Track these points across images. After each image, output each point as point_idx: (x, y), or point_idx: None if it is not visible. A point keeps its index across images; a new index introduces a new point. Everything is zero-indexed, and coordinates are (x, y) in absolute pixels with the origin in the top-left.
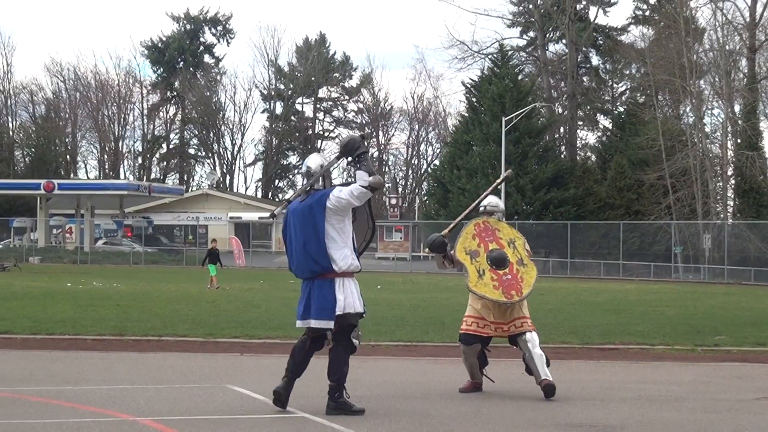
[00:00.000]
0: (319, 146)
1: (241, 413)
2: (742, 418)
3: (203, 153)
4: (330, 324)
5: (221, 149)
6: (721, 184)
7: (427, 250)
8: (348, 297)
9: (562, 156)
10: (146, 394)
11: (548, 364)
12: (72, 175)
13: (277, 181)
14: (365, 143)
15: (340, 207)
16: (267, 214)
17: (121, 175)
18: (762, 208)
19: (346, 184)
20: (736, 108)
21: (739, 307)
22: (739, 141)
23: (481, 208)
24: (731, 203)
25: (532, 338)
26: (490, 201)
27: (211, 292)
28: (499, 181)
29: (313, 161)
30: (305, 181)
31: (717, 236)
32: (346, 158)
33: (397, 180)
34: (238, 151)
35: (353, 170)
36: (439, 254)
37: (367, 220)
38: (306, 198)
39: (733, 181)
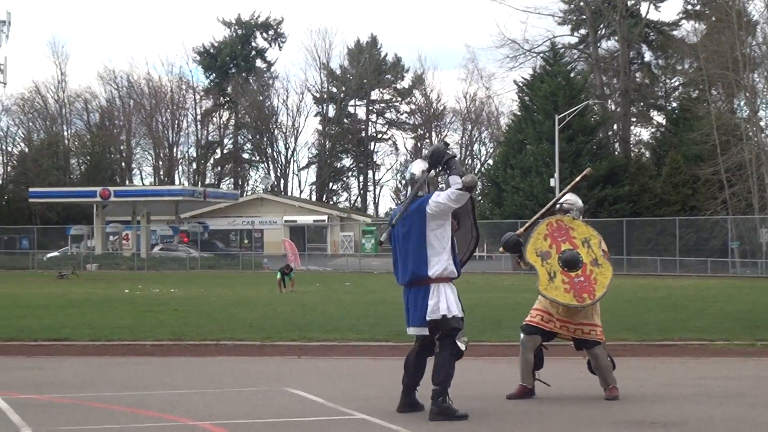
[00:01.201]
0: (372, 148)
1: (300, 416)
2: None
3: (257, 157)
4: (424, 330)
5: (275, 153)
6: None
7: (501, 249)
8: (441, 302)
9: (616, 153)
10: (205, 398)
11: (614, 368)
12: (127, 182)
13: (330, 183)
14: (449, 149)
15: (439, 212)
16: (323, 218)
17: (176, 181)
18: None
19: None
20: None
21: None
22: None
23: (558, 206)
24: None
25: (601, 353)
26: (567, 198)
27: (282, 296)
28: (578, 178)
29: (417, 168)
30: (410, 188)
31: None
32: (436, 168)
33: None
34: (292, 155)
35: (446, 177)
36: (514, 254)
37: (471, 228)
38: (408, 206)
39: None
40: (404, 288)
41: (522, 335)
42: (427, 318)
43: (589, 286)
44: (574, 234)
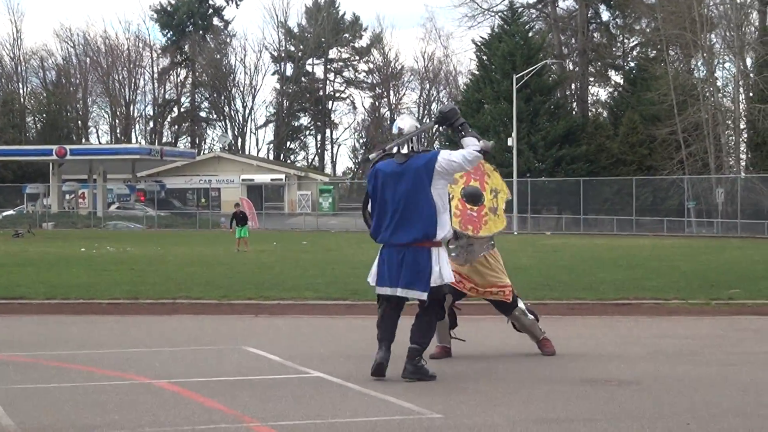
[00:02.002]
0: (330, 107)
1: (257, 374)
2: (757, 370)
3: (214, 116)
4: (424, 296)
5: (232, 112)
6: (733, 137)
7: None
8: (444, 268)
9: (574, 113)
10: (162, 357)
11: (538, 319)
12: (84, 141)
13: (288, 142)
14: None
15: (449, 170)
16: (280, 177)
17: (133, 140)
18: None
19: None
20: (748, 61)
21: (753, 261)
22: (751, 94)
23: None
24: (744, 157)
25: (519, 314)
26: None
27: (240, 255)
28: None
29: (406, 122)
30: (393, 141)
31: (730, 190)
32: (443, 126)
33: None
34: (249, 114)
35: (457, 136)
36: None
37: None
38: (405, 161)
39: (745, 135)
40: (390, 247)
41: None
42: (433, 285)
43: (477, 222)
44: (488, 180)
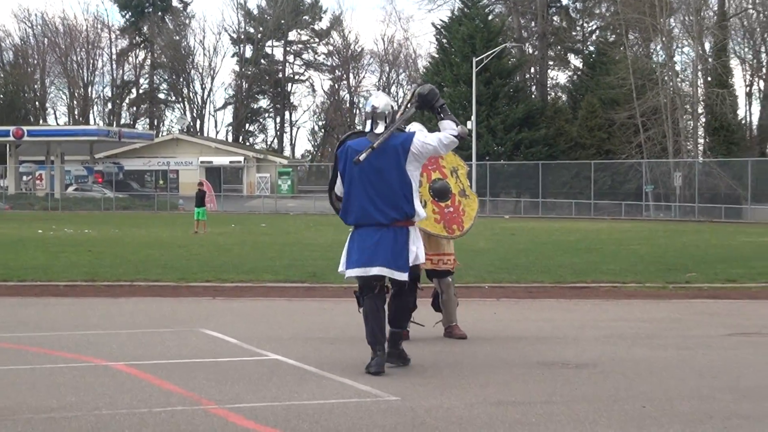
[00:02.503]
0: (289, 89)
1: (214, 356)
2: (713, 354)
3: (173, 98)
4: (404, 276)
5: (191, 94)
6: (691, 122)
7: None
8: (420, 248)
9: (533, 96)
10: (119, 339)
11: (457, 305)
12: (41, 122)
13: (247, 125)
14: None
15: (423, 153)
16: (239, 159)
17: (91, 121)
18: (732, 145)
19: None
20: (707, 46)
21: (710, 244)
22: (709, 79)
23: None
24: (702, 141)
25: (451, 282)
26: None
27: (198, 237)
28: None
29: (381, 100)
30: (370, 121)
31: (687, 174)
32: (423, 109)
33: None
34: (208, 96)
35: (436, 118)
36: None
37: None
38: (379, 139)
39: (703, 119)
40: (364, 228)
41: None
42: (412, 263)
43: (458, 217)
44: (443, 163)
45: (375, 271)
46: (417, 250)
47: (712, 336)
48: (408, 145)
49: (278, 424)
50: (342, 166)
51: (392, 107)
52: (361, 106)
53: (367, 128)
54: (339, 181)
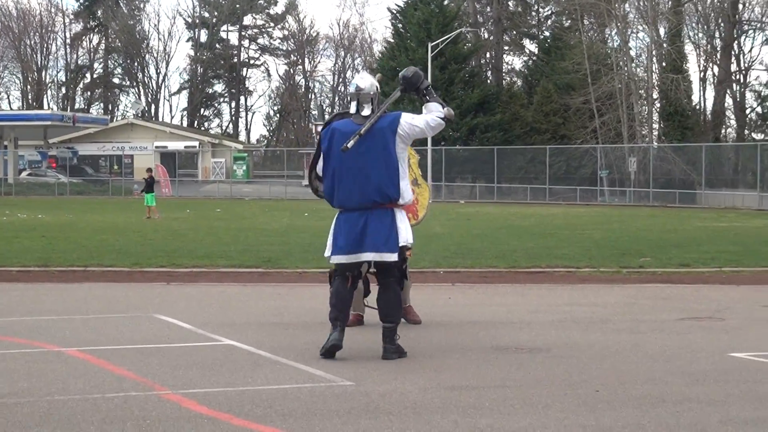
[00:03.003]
0: (244, 74)
1: (168, 341)
2: (665, 338)
3: (128, 82)
4: (394, 257)
5: (146, 78)
6: (646, 107)
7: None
8: (408, 229)
9: (488, 81)
10: (72, 324)
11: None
12: None
13: (202, 109)
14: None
15: (410, 135)
16: (194, 144)
17: (45, 106)
18: (686, 130)
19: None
20: (661, 31)
21: (664, 229)
22: (663, 64)
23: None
24: (656, 126)
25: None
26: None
27: (152, 222)
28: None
29: (366, 81)
30: (355, 102)
31: (642, 159)
32: (408, 91)
33: (324, 107)
34: (163, 80)
35: (422, 101)
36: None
37: None
38: (365, 125)
39: (658, 105)
40: (349, 212)
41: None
42: (402, 243)
43: (412, 206)
44: None
45: (364, 257)
46: (406, 231)
47: (665, 320)
48: (395, 126)
49: (231, 410)
50: (326, 147)
51: (377, 88)
52: (316, 91)
53: (352, 109)
54: (320, 162)
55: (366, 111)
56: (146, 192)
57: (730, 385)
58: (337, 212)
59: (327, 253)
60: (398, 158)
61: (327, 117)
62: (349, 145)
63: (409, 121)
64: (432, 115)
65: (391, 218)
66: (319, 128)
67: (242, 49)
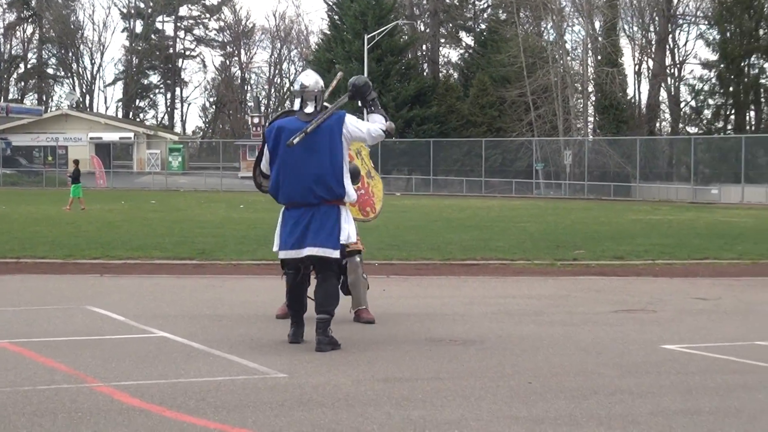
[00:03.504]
0: (180, 65)
1: (101, 333)
2: (599, 330)
3: (62, 73)
4: (336, 253)
5: (80, 69)
6: (581, 100)
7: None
8: (351, 228)
9: (425, 74)
10: (4, 316)
11: (368, 288)
12: None
13: (137, 100)
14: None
15: (353, 136)
16: (129, 135)
17: None
18: (621, 123)
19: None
20: (597, 25)
21: (599, 222)
22: (599, 58)
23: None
24: (591, 120)
25: (360, 262)
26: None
27: (71, 214)
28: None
29: (310, 79)
30: (299, 99)
31: (577, 152)
32: (355, 98)
33: (260, 99)
34: (98, 71)
35: (366, 111)
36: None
37: None
38: (311, 120)
39: (593, 98)
40: (295, 208)
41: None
42: (344, 241)
43: (369, 199)
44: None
45: (305, 252)
46: (349, 229)
47: (598, 312)
48: (340, 125)
49: (164, 402)
50: (272, 145)
51: (321, 86)
52: (252, 83)
53: (296, 107)
54: (266, 159)
55: (309, 108)
56: (73, 183)
57: (661, 377)
58: (282, 208)
59: (275, 248)
60: (341, 156)
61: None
62: (295, 141)
63: (354, 123)
64: (376, 125)
65: (336, 215)
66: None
67: (178, 40)
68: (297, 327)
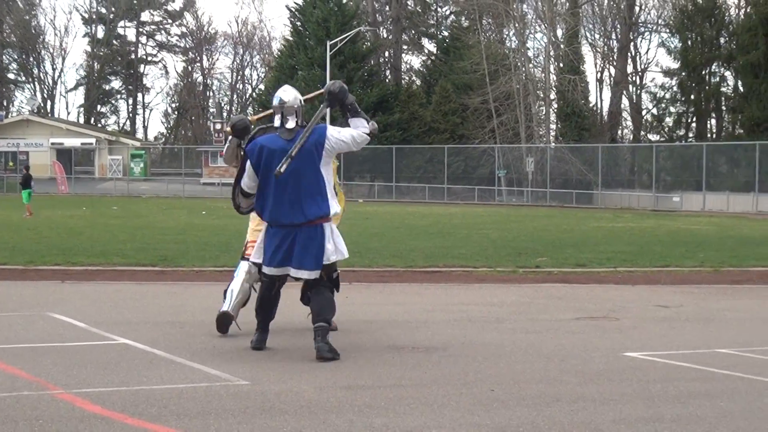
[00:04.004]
0: (142, 71)
1: (62, 340)
2: (561, 337)
3: (23, 78)
4: (316, 274)
5: (41, 74)
6: (543, 108)
7: (228, 129)
8: (338, 242)
9: (387, 80)
10: None
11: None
12: None
13: (99, 106)
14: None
15: (336, 148)
16: (91, 141)
17: None
18: (583, 131)
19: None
20: (559, 32)
21: (561, 229)
22: (561, 65)
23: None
24: (554, 127)
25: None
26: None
27: (30, 220)
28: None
29: (289, 94)
30: (279, 115)
31: (540, 159)
32: (333, 106)
33: (222, 105)
34: (59, 76)
35: (345, 116)
36: (237, 139)
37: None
38: (292, 137)
39: (555, 105)
40: (279, 227)
41: (248, 265)
42: (327, 261)
43: None
44: None
45: (291, 273)
46: (336, 246)
47: (561, 320)
48: (322, 140)
49: (126, 409)
50: (254, 161)
51: (300, 101)
52: (215, 88)
53: (276, 123)
54: (247, 176)
55: (290, 124)
56: (23, 189)
57: (623, 384)
58: (265, 224)
59: (257, 259)
60: (326, 171)
61: (225, 114)
62: (282, 169)
63: (335, 135)
64: (359, 130)
65: (320, 235)
66: (218, 126)
67: (140, 45)
68: (262, 333)
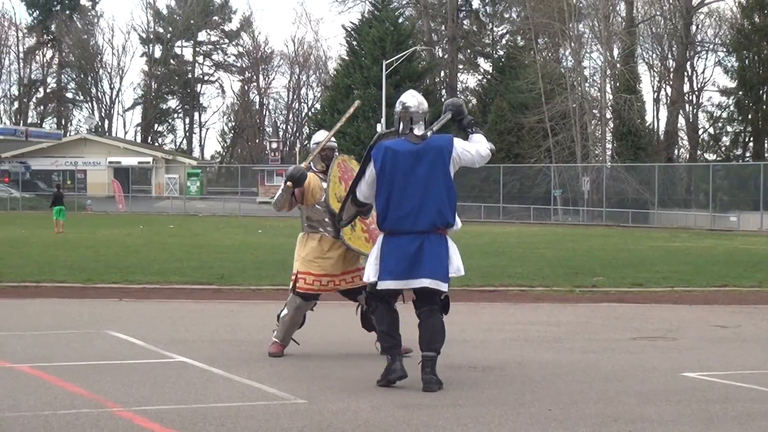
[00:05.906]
0: (199, 90)
1: (120, 358)
2: (618, 357)
3: (81, 97)
4: (444, 287)
5: (99, 93)
6: (599, 127)
7: (289, 184)
8: (459, 258)
9: (443, 99)
10: (24, 341)
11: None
12: None
13: (156, 125)
14: None
15: (462, 160)
16: (148, 160)
17: None
18: (639, 150)
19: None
20: (615, 52)
21: (617, 249)
22: (617, 84)
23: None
24: (609, 146)
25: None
26: (323, 137)
27: (61, 236)
28: (350, 112)
29: (414, 99)
30: (407, 121)
31: (595, 179)
32: (455, 121)
33: (278, 124)
34: (117, 96)
35: (465, 133)
36: (297, 188)
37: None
38: (420, 141)
39: (611, 124)
40: (406, 235)
41: (299, 300)
42: (455, 274)
43: (375, 230)
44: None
45: (418, 283)
46: (458, 260)
47: (618, 340)
48: (450, 148)
49: (184, 427)
50: (379, 166)
51: (426, 108)
52: (271, 108)
53: (401, 128)
54: (365, 182)
55: (419, 131)
56: (54, 205)
57: (681, 405)
58: (382, 235)
59: (372, 278)
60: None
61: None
62: (435, 128)
63: (462, 146)
64: (482, 145)
65: (446, 245)
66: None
67: (197, 65)
68: (401, 361)
